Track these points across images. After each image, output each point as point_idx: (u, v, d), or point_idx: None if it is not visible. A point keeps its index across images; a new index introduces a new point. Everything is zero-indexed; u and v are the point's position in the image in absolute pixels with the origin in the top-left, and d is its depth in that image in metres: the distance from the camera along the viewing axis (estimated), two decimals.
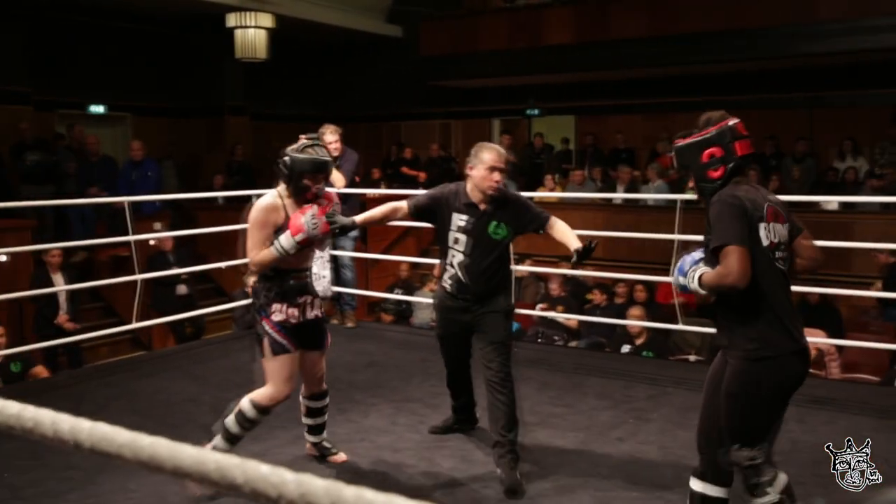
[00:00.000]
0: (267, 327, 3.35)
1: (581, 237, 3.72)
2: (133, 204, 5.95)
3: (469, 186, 3.61)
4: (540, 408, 4.46)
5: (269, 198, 3.35)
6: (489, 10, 12.93)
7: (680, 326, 5.68)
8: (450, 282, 3.64)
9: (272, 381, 3.36)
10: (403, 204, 3.71)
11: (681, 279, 2.67)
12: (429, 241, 12.92)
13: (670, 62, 10.78)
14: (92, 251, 8.85)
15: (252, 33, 10.75)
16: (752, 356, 2.53)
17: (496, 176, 3.53)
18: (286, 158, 3.30)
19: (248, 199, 10.26)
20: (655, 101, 12.18)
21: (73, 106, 11.30)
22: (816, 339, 6.52)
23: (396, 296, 8.77)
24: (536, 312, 7.38)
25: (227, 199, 10.43)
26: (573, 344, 7.22)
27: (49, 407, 0.87)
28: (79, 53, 11.16)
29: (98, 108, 11.66)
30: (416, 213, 3.72)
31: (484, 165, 3.54)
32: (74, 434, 0.80)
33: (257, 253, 3.30)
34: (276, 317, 3.33)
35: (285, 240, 3.23)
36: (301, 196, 3.32)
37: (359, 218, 3.75)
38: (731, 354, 2.60)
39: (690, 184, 2.76)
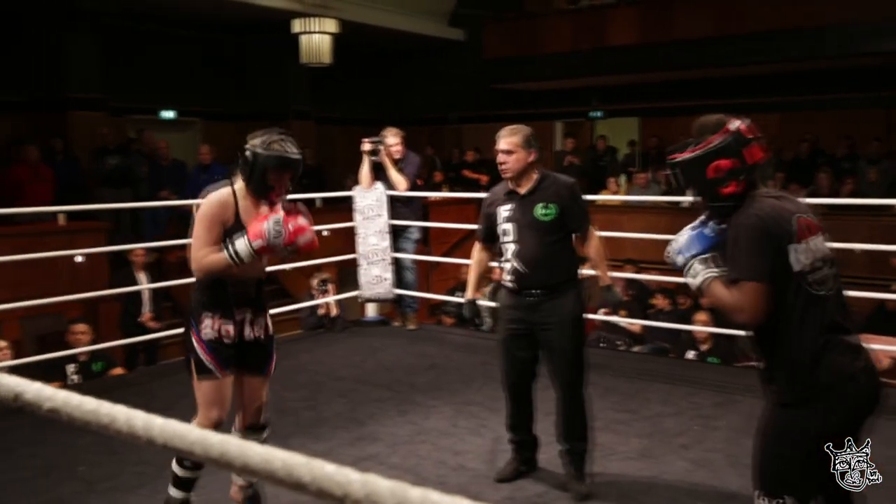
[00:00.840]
0: (194, 342, 2.94)
1: (614, 278, 3.65)
2: None
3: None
4: (603, 413, 4.41)
5: (223, 193, 2.89)
6: (552, 11, 12.86)
7: (747, 333, 5.54)
8: (509, 277, 3.49)
9: (199, 405, 2.98)
10: (476, 246, 3.70)
11: (680, 258, 2.31)
12: None
13: (738, 62, 10.55)
14: (162, 252, 9.09)
15: (317, 38, 10.91)
16: (777, 400, 2.24)
17: (500, 158, 3.47)
18: (247, 152, 2.86)
19: (313, 202, 10.45)
20: (723, 101, 11.89)
21: (144, 112, 11.65)
22: (893, 346, 6.28)
23: (458, 298, 8.77)
24: (599, 317, 7.29)
25: (292, 202, 10.60)
26: (636, 349, 7.12)
27: (123, 403, 0.90)
28: (150, 61, 11.49)
29: (168, 114, 11.99)
30: (487, 236, 3.62)
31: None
32: (148, 430, 0.83)
33: (205, 255, 2.84)
34: (206, 333, 2.89)
35: (241, 245, 2.81)
36: (262, 196, 2.90)
37: (469, 293, 3.72)
38: (764, 388, 2.30)
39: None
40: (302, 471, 0.71)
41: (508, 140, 3.45)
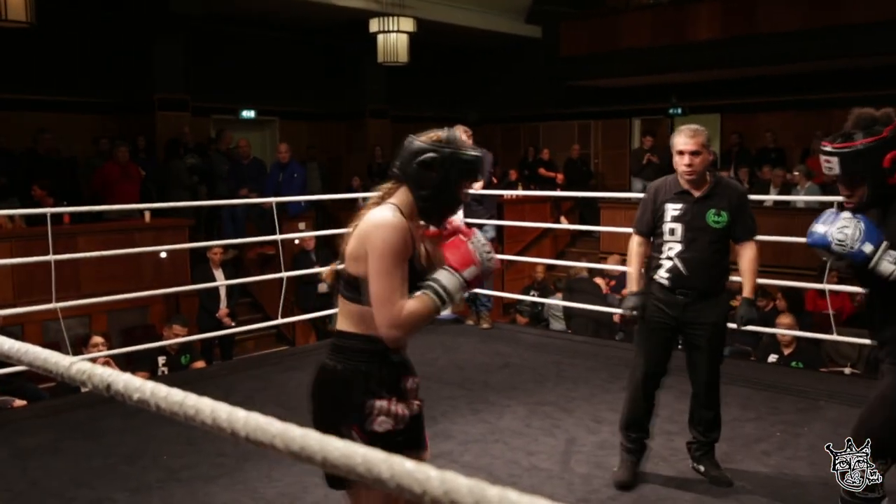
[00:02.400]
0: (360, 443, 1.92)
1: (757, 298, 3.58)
2: (279, 204, 6.24)
3: (677, 175, 3.47)
4: (680, 416, 4.31)
5: (395, 217, 2.02)
6: (631, 7, 12.67)
7: (834, 337, 5.34)
8: (666, 275, 3.42)
9: None
10: (637, 239, 3.56)
11: (867, 247, 2.36)
12: (565, 244, 12.82)
13: (827, 56, 10.17)
14: (241, 249, 9.33)
15: (394, 38, 11.01)
16: None
17: (685, 159, 3.35)
18: (432, 155, 2.05)
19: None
20: (808, 97, 11.55)
21: (225, 111, 11.97)
22: None
23: (532, 297, 8.73)
24: None
25: (366, 199, 10.73)
26: None
27: (203, 395, 0.92)
28: (230, 62, 11.80)
29: (249, 113, 12.29)
30: (648, 229, 3.52)
31: (675, 150, 3.41)
32: (231, 423, 0.84)
33: (403, 305, 1.98)
34: (382, 425, 2.03)
35: (450, 281, 2.04)
36: (448, 213, 2.16)
37: (636, 285, 3.53)
38: None
39: (844, 191, 2.48)
40: (382, 467, 0.71)
41: (696, 140, 3.36)
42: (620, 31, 12.20)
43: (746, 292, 3.51)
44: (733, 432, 4.10)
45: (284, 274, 5.82)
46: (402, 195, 2.11)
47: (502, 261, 9.93)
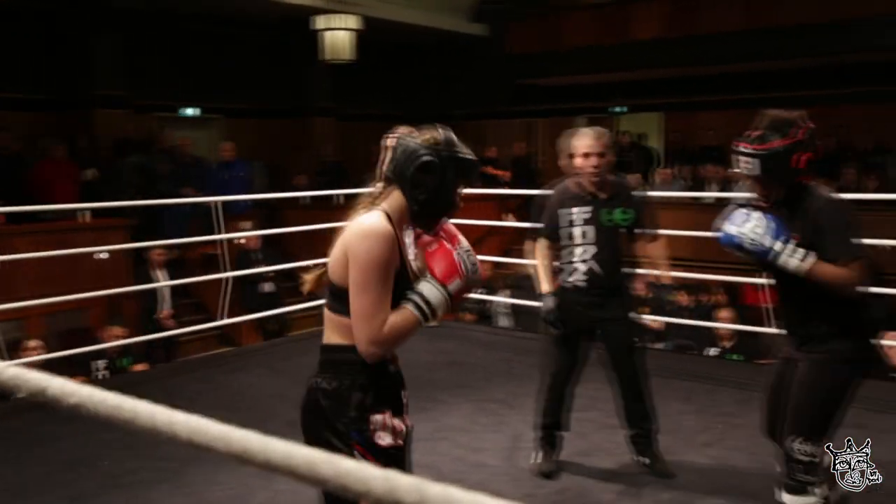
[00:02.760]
0: (366, 461, 1.89)
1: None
2: (223, 203, 6.15)
3: (575, 178, 3.53)
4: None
5: (382, 224, 1.91)
6: (576, 6, 12.80)
7: (770, 329, 5.49)
8: (583, 278, 3.49)
9: None
10: (544, 242, 3.61)
11: (769, 240, 2.48)
12: (510, 241, 12.90)
13: (764, 56, 10.44)
14: (183, 249, 9.17)
15: (338, 35, 10.93)
16: (835, 358, 2.55)
17: (592, 161, 3.43)
18: (427, 157, 1.94)
19: (332, 198, 10.48)
20: (748, 96, 11.83)
21: (167, 109, 11.74)
22: None
23: (478, 295, 8.76)
24: None
25: (312, 198, 10.65)
26: (658, 346, 7.08)
27: (144, 399, 0.90)
28: (172, 58, 11.57)
29: (192, 111, 12.07)
30: (550, 233, 3.59)
31: (578, 152, 3.46)
32: (171, 426, 0.83)
33: (385, 321, 1.89)
34: (384, 439, 1.96)
35: (433, 293, 1.95)
36: (441, 218, 2.04)
37: (547, 287, 3.59)
38: (820, 350, 2.57)
39: (760, 191, 2.60)
40: (324, 467, 0.71)
41: (601, 142, 3.44)
42: (565, 30, 12.33)
43: (668, 278, 3.84)
44: (675, 425, 4.18)
45: (228, 274, 5.75)
46: (393, 199, 1.99)
47: None
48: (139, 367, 6.21)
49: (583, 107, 13.72)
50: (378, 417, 1.94)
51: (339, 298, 1.94)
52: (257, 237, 8.41)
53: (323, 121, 12.89)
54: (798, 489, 2.57)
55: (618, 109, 13.39)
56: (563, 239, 3.53)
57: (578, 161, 3.45)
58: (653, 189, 10.66)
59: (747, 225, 2.51)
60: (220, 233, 5.82)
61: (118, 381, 5.40)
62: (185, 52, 11.71)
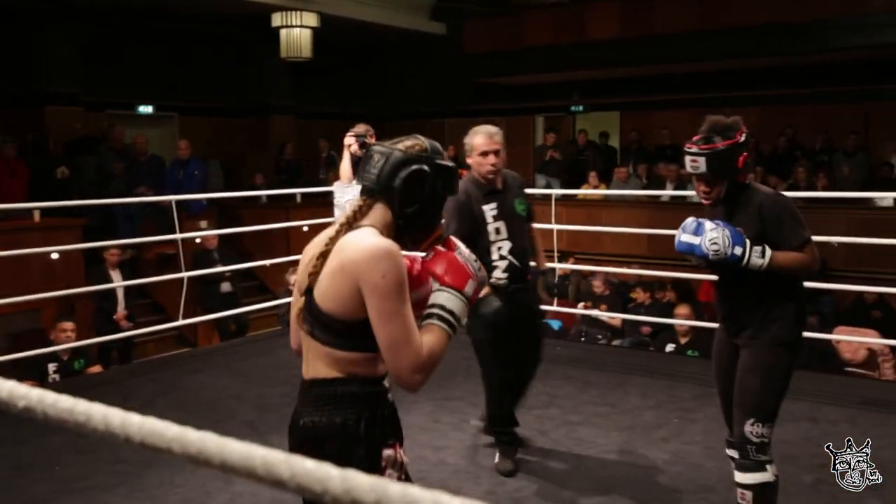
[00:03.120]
0: None
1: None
2: (179, 202, 6.07)
3: (475, 175, 3.58)
4: (583, 407, 4.43)
5: (386, 240, 1.75)
6: (534, 5, 12.87)
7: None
8: (504, 274, 3.52)
9: None
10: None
11: (738, 250, 2.62)
12: None
13: (717, 56, 10.61)
14: (139, 249, 9.02)
15: (297, 32, 10.85)
16: (775, 341, 2.72)
17: (491, 159, 3.51)
18: (425, 167, 1.81)
19: (292, 197, 10.40)
20: (702, 96, 12.01)
21: (121, 106, 11.53)
22: (870, 339, 6.36)
23: None
24: (579, 311, 7.33)
25: (270, 197, 10.56)
26: (616, 343, 7.16)
27: (99, 401, 0.88)
28: (127, 54, 11.38)
29: (146, 109, 11.88)
30: (468, 232, 3.48)
31: (476, 151, 3.53)
32: (125, 428, 0.81)
33: (420, 339, 1.72)
34: (392, 477, 1.80)
35: (454, 303, 1.80)
36: (423, 235, 1.90)
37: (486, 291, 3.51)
38: (762, 336, 2.73)
39: (704, 188, 2.75)
40: (281, 467, 0.70)
41: (498, 139, 3.54)
42: (523, 29, 12.39)
43: (544, 266, 3.89)
44: (634, 420, 4.23)
45: (185, 274, 5.66)
46: (377, 214, 1.81)
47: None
48: (94, 370, 6.09)
49: (541, 106, 13.81)
50: (389, 453, 1.79)
51: (334, 331, 1.74)
52: (214, 236, 8.31)
53: (281, 119, 12.79)
54: (754, 468, 2.73)
55: (576, 108, 13.50)
56: (483, 236, 3.52)
57: (478, 159, 3.53)
58: (610, 187, 10.78)
59: (706, 236, 2.66)
60: (176, 232, 5.74)
61: (72, 383, 5.29)
62: (139, 48, 11.52)
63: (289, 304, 6.63)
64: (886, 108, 10.90)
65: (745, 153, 2.71)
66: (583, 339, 7.09)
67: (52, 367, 5.79)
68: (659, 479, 3.50)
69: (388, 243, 1.71)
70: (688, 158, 2.74)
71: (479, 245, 3.49)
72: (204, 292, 8.33)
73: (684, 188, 9.84)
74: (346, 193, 6.26)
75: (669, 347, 6.38)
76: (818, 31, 9.79)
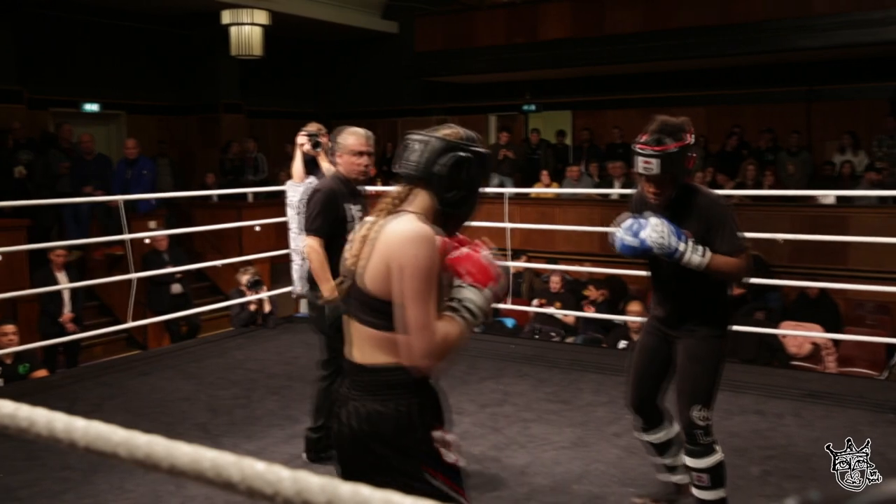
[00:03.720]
0: (435, 483, 1.84)
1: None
2: (128, 202, 5.95)
3: (343, 174, 3.54)
4: (537, 404, 4.46)
5: (426, 227, 1.81)
6: (485, 5, 12.92)
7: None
8: None
9: None
10: (320, 241, 3.46)
11: (675, 242, 2.69)
12: None
13: (665, 57, 10.78)
14: (86, 250, 8.82)
15: (247, 30, 10.73)
16: (710, 334, 2.87)
17: (364, 160, 3.51)
18: (463, 152, 1.86)
19: (243, 196, 10.28)
20: (651, 95, 12.19)
21: (66, 104, 11.26)
22: (813, 333, 6.53)
23: None
24: (533, 309, 7.38)
25: (221, 197, 10.41)
26: (570, 340, 7.22)
27: (45, 406, 0.86)
28: (72, 51, 11.12)
29: (92, 107, 11.61)
30: (330, 229, 3.45)
31: (351, 150, 3.51)
32: (69, 433, 0.80)
33: (436, 323, 1.78)
34: (450, 456, 1.88)
35: (477, 297, 1.84)
36: (462, 221, 1.96)
37: (330, 289, 3.35)
38: (700, 329, 2.87)
39: (653, 190, 2.76)
40: (231, 470, 0.69)
41: (371, 142, 3.56)
42: (475, 28, 12.42)
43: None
44: (587, 417, 4.27)
45: (134, 275, 5.56)
46: (419, 200, 1.87)
47: None
48: (39, 374, 5.93)
49: (494, 105, 13.87)
50: (438, 434, 1.85)
51: (380, 313, 1.80)
52: (164, 237, 8.18)
53: (231, 117, 12.62)
54: (706, 452, 2.84)
55: (528, 108, 13.59)
56: (341, 236, 3.46)
57: (352, 158, 3.51)
58: (562, 186, 10.88)
59: (649, 230, 2.70)
60: (124, 233, 5.63)
61: (16, 388, 5.15)
62: (85, 45, 11.27)
63: (242, 304, 6.50)
64: (828, 108, 11.20)
65: (694, 154, 2.76)
66: (536, 336, 7.15)
67: None
68: (612, 473, 3.54)
69: (426, 229, 1.78)
70: (640, 160, 2.69)
71: (335, 244, 3.31)
72: (154, 294, 8.18)
73: (633, 186, 9.98)
74: (298, 192, 6.22)
75: (622, 344, 6.47)
76: (764, 32, 10.01)
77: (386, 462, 1.81)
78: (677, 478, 3.15)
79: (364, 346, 1.85)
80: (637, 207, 2.95)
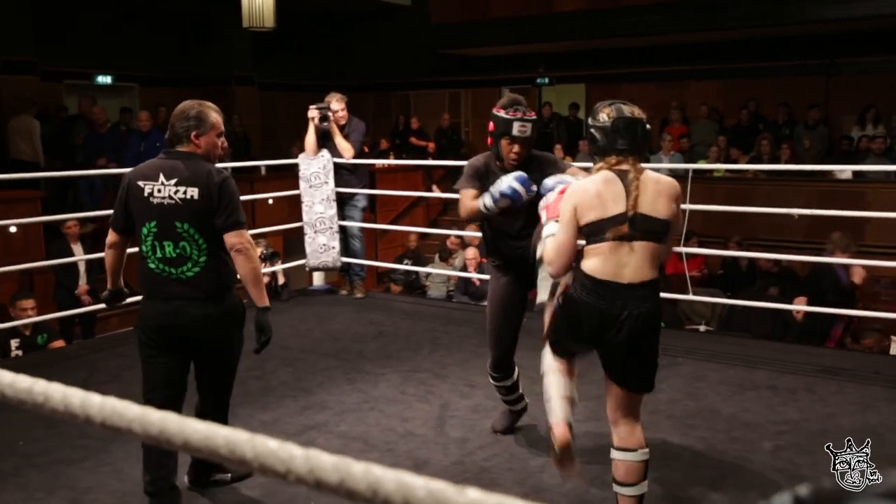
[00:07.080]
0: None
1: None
2: None
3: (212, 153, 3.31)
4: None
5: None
6: None
7: (689, 297, 5.66)
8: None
9: None
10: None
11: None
12: (437, 212, 12.93)
13: (682, 29, 10.65)
14: (101, 222, 8.85)
15: (260, 2, 10.63)
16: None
17: (222, 140, 3.32)
18: (605, 120, 2.77)
19: (258, 170, 10.26)
20: (668, 69, 12.06)
21: (79, 76, 11.27)
22: (826, 309, 6.48)
23: (405, 266, 8.78)
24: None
25: (234, 169, 10.39)
26: None
27: (63, 377, 0.87)
28: (85, 23, 11.09)
29: (105, 79, 11.62)
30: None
31: (216, 131, 3.27)
32: (85, 409, 0.80)
33: None
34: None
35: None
36: None
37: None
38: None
39: (518, 151, 3.34)
40: (245, 447, 0.70)
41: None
42: (489, 0, 12.30)
43: None
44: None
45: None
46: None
47: (375, 230, 9.90)
48: (57, 344, 6.00)
49: (507, 78, 13.77)
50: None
51: (659, 232, 2.64)
52: None
53: (243, 90, 12.60)
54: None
55: (542, 81, 13.48)
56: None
57: (218, 140, 3.28)
58: (576, 160, 10.80)
59: (507, 182, 3.18)
60: None
61: (33, 359, 5.21)
62: (98, 17, 11.24)
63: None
64: (846, 82, 11.05)
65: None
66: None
67: (14, 342, 5.70)
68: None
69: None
70: (517, 125, 3.21)
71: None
72: None
73: (649, 161, 9.90)
74: (311, 166, 6.22)
75: None
76: (783, 3, 9.86)
77: (656, 333, 2.82)
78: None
79: (644, 266, 2.64)
80: (482, 174, 3.40)
